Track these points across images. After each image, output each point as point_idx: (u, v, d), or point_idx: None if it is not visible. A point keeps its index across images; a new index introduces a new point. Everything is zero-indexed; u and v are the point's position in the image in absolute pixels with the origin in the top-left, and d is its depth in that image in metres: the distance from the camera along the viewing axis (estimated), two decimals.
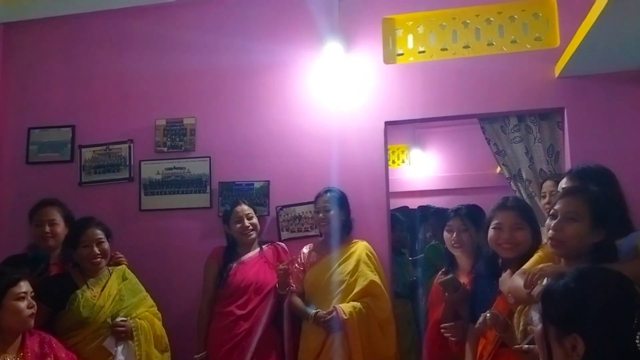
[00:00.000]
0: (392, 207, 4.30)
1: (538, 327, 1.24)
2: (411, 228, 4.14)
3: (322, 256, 2.94)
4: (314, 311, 2.77)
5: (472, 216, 2.56)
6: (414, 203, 5.54)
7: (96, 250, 2.63)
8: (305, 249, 3.02)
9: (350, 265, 2.84)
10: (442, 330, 2.43)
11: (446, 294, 2.44)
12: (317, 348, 2.74)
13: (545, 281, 1.52)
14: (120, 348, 2.52)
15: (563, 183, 2.07)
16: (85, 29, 3.62)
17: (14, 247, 3.17)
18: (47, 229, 2.81)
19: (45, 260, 2.63)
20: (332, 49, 3.23)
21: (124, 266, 2.81)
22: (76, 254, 2.66)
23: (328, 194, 2.96)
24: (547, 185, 2.59)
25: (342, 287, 2.80)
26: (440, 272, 2.75)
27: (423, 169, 6.09)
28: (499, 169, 4.03)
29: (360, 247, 2.92)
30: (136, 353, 2.54)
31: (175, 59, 3.47)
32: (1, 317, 2.11)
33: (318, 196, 2.99)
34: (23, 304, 2.15)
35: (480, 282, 2.27)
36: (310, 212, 3.13)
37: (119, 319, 2.56)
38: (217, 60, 3.40)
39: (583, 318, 1.12)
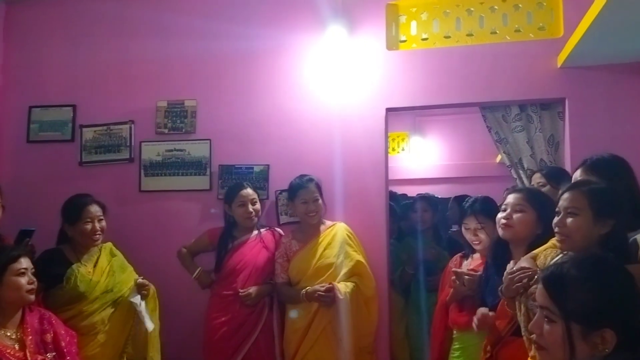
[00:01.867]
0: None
1: (549, 327, 1.21)
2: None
3: (304, 243, 2.95)
4: (304, 290, 2.80)
5: (487, 211, 2.52)
6: (413, 191, 5.56)
7: (97, 226, 2.68)
8: (285, 239, 3.02)
9: (335, 248, 2.88)
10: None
11: (456, 282, 2.49)
12: (304, 328, 2.79)
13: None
14: (143, 303, 2.67)
15: (577, 175, 2.07)
16: (88, 8, 3.61)
17: (14, 226, 3.20)
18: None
19: (30, 235, 2.63)
20: (334, 33, 3.22)
21: (110, 243, 2.84)
22: (75, 229, 2.69)
23: (313, 184, 2.94)
24: (536, 177, 2.63)
25: (330, 270, 2.84)
26: (459, 255, 2.77)
27: (423, 157, 6.10)
28: (499, 157, 4.04)
29: (340, 229, 2.95)
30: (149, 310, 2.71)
31: (177, 42, 3.46)
32: (1, 292, 2.14)
33: (300, 186, 2.93)
34: (23, 280, 2.18)
35: (491, 269, 2.30)
36: None
37: (140, 279, 2.71)
38: (219, 43, 3.39)
39: (613, 311, 1.13)
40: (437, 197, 5.33)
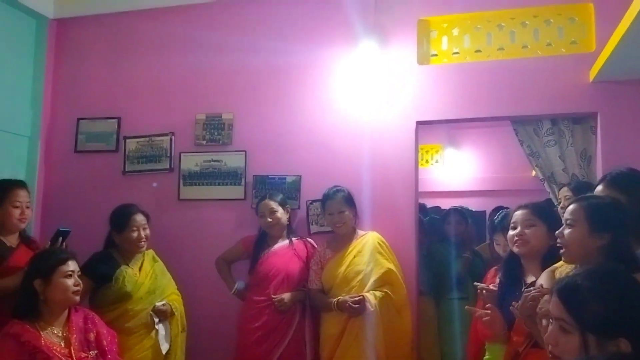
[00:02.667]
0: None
1: (565, 338, 1.23)
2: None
3: (336, 252, 3.03)
4: (335, 299, 2.86)
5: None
6: (446, 204, 5.55)
7: (142, 234, 2.83)
8: (320, 248, 3.11)
9: (365, 256, 2.93)
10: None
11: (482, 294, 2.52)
12: (337, 335, 2.85)
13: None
14: (161, 325, 2.78)
15: (599, 190, 2.08)
16: (132, 26, 3.80)
17: None
18: (26, 212, 2.80)
19: (66, 235, 2.77)
20: (366, 48, 3.30)
21: (152, 250, 3.00)
22: (121, 236, 2.86)
23: (339, 195, 3.02)
24: (563, 191, 2.66)
25: (360, 277, 2.89)
26: (495, 268, 2.75)
27: (457, 170, 6.08)
28: (534, 172, 4.03)
29: (371, 238, 3.01)
30: (172, 329, 2.82)
31: (215, 58, 3.60)
32: (49, 292, 2.27)
33: (328, 197, 3.04)
34: (70, 282, 2.31)
35: (504, 285, 2.30)
36: None
37: (159, 304, 2.79)
38: (255, 59, 3.52)
39: (628, 321, 1.15)
40: (470, 210, 5.34)
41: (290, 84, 3.47)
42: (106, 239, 2.93)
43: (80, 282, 2.36)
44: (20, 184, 2.81)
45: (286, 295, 2.96)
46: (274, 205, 3.10)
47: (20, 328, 2.18)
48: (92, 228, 3.10)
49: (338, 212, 3.00)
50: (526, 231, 2.17)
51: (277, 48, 3.49)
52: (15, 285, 2.49)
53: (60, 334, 2.28)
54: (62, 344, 2.24)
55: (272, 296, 2.96)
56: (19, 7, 3.58)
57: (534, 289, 1.84)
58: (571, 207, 1.82)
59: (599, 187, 2.06)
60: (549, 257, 2.04)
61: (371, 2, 3.36)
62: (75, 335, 2.29)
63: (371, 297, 2.81)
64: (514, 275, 2.23)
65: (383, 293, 2.85)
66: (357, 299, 2.79)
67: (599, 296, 1.20)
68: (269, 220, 3.07)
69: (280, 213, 3.10)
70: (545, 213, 2.21)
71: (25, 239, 2.81)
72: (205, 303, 3.32)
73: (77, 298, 2.34)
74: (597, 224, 1.73)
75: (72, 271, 2.34)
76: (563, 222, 1.84)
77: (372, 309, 2.78)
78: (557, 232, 1.83)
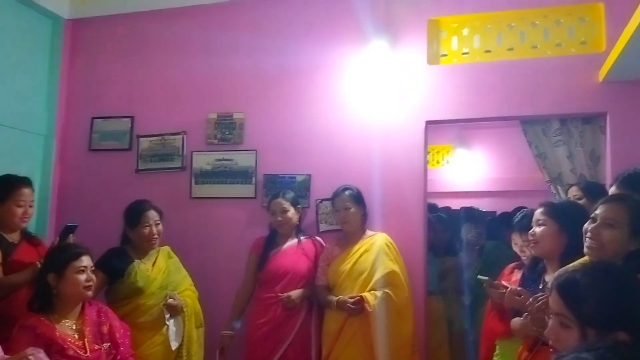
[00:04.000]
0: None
1: (565, 332, 1.25)
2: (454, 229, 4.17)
3: (344, 249, 3.06)
4: (335, 298, 2.90)
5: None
6: (457, 204, 5.55)
7: (154, 230, 2.88)
8: (329, 245, 3.15)
9: (371, 255, 2.96)
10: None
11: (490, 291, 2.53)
12: (336, 331, 2.89)
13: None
14: (172, 321, 2.80)
15: (612, 191, 2.09)
16: (145, 27, 3.86)
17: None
18: (29, 210, 2.79)
19: (73, 230, 2.79)
20: (376, 47, 3.32)
21: (167, 247, 3.04)
22: (134, 232, 2.91)
23: (346, 193, 3.06)
24: (572, 190, 2.65)
25: (364, 276, 2.92)
26: (513, 265, 2.75)
27: (468, 170, 6.08)
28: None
29: (380, 239, 3.03)
30: (185, 326, 2.84)
31: (227, 58, 3.64)
32: (62, 286, 2.33)
33: (336, 195, 3.09)
34: (82, 277, 2.35)
35: (527, 281, 2.32)
36: None
37: (170, 299, 2.81)
38: (266, 59, 3.56)
39: (626, 314, 1.17)
40: (481, 211, 5.33)
41: (300, 84, 3.50)
42: (122, 235, 2.99)
43: (93, 277, 2.41)
44: (25, 182, 2.78)
45: (294, 293, 2.99)
46: (286, 204, 3.13)
47: (36, 320, 2.23)
48: (106, 225, 3.17)
49: (344, 209, 3.03)
50: (537, 230, 2.16)
51: (287, 48, 3.53)
52: (24, 281, 2.56)
53: (74, 327, 2.33)
54: (76, 336, 2.30)
55: (279, 294, 2.99)
56: (35, 7, 3.66)
57: (534, 299, 1.85)
58: (612, 205, 1.74)
59: (612, 189, 2.06)
60: (565, 257, 2.01)
61: (381, 2, 3.38)
62: (88, 328, 2.35)
63: (371, 298, 2.83)
64: (537, 272, 2.24)
65: (384, 293, 2.86)
66: (356, 299, 2.82)
67: (597, 291, 1.22)
68: (280, 219, 3.11)
69: (292, 213, 3.13)
70: (558, 212, 2.16)
71: (26, 236, 2.82)
72: (218, 299, 3.35)
73: (89, 293, 2.38)
74: (638, 228, 1.68)
75: (85, 266, 2.38)
76: (595, 218, 1.75)
77: (371, 310, 2.80)
78: (590, 228, 1.75)
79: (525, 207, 3.30)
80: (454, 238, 4.02)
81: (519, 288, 2.14)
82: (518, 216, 2.72)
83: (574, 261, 1.89)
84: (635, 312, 1.18)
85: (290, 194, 3.20)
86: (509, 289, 2.15)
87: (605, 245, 1.71)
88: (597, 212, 1.76)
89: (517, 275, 2.64)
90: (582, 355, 0.83)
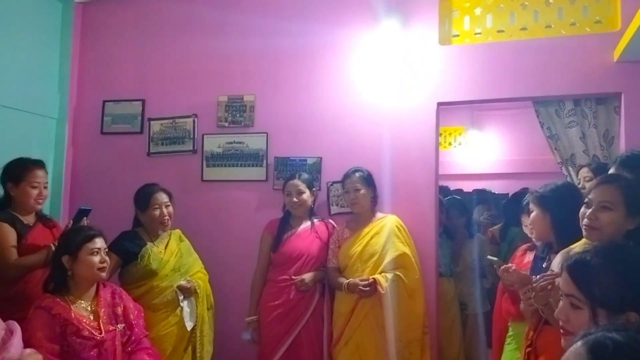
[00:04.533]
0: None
1: (575, 313, 1.25)
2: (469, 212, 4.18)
3: (354, 231, 3.06)
4: (346, 280, 2.91)
5: None
6: (469, 187, 5.53)
7: (164, 212, 2.91)
8: (339, 227, 3.15)
9: (381, 238, 2.96)
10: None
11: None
12: (348, 313, 2.91)
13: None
14: (186, 302, 2.86)
15: (611, 172, 2.08)
16: (156, 9, 3.85)
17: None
18: (44, 192, 2.81)
19: (87, 214, 2.82)
20: (387, 28, 3.29)
21: (179, 230, 3.08)
22: (145, 215, 2.94)
23: (356, 174, 3.06)
24: (583, 172, 2.64)
25: (375, 258, 2.93)
26: (526, 246, 2.73)
27: (479, 152, 6.04)
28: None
29: (390, 221, 3.03)
30: (197, 307, 2.88)
31: (237, 40, 3.63)
32: (76, 268, 2.36)
33: (346, 176, 3.09)
34: (96, 259, 2.38)
35: (539, 262, 2.34)
36: None
37: (183, 281, 2.86)
38: (276, 41, 3.54)
39: (637, 295, 1.17)
40: (493, 193, 5.32)
41: (310, 65, 3.48)
42: (134, 219, 3.02)
43: (107, 259, 2.43)
44: (39, 164, 2.81)
45: (307, 276, 3.01)
46: (302, 186, 3.13)
47: (52, 301, 2.27)
48: (118, 208, 3.20)
49: (354, 190, 3.03)
50: (529, 219, 2.24)
51: (297, 29, 3.50)
52: (38, 262, 2.61)
53: (89, 308, 2.36)
54: (91, 317, 2.33)
55: (293, 277, 3.01)
56: None
57: (541, 277, 1.85)
58: (604, 188, 1.75)
59: (612, 169, 2.06)
60: (562, 240, 2.04)
61: None
62: (103, 309, 2.38)
63: (382, 280, 2.84)
64: (545, 254, 2.25)
65: (395, 275, 2.87)
66: (369, 281, 2.83)
67: (608, 271, 1.22)
68: (295, 200, 3.10)
69: (307, 195, 3.14)
70: (543, 197, 2.19)
71: (41, 218, 2.85)
72: (229, 281, 3.39)
73: (103, 274, 2.41)
74: (633, 207, 1.70)
75: (99, 248, 2.40)
76: (591, 202, 1.77)
77: (383, 292, 2.81)
78: (587, 213, 1.76)
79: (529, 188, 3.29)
80: (469, 221, 4.02)
81: (512, 265, 2.16)
82: (526, 198, 2.72)
83: (571, 243, 1.92)
84: None
85: (306, 176, 3.20)
86: (512, 269, 2.15)
87: (603, 228, 1.72)
88: (591, 196, 1.77)
89: (530, 257, 2.64)
90: (610, 335, 0.83)
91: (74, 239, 2.40)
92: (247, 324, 3.11)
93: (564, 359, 0.86)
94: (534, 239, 2.26)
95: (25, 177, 2.73)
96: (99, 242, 2.42)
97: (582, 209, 1.81)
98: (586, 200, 1.80)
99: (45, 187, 2.82)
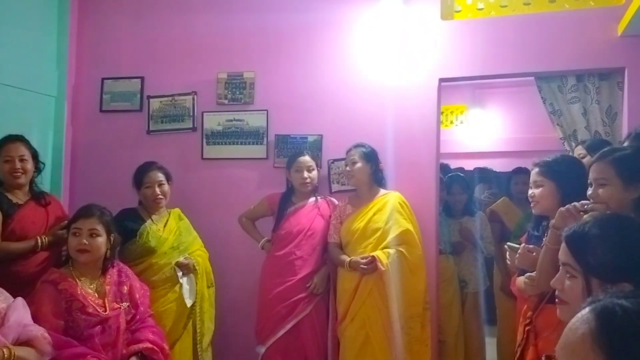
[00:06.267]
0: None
1: (570, 282, 1.26)
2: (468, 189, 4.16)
3: (357, 208, 3.06)
4: (348, 259, 2.92)
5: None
6: (470, 165, 5.52)
7: (157, 191, 2.92)
8: (341, 203, 3.15)
9: (384, 214, 2.96)
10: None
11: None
12: (352, 290, 2.92)
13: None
14: (185, 279, 2.87)
15: (625, 144, 2.06)
16: None
17: (88, 189, 3.51)
18: (18, 165, 2.74)
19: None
20: (389, 2, 3.24)
21: (178, 209, 3.08)
22: (140, 193, 2.96)
23: (358, 149, 3.04)
24: (577, 149, 2.65)
25: (377, 234, 2.93)
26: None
27: (481, 130, 6.02)
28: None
29: (393, 197, 3.02)
30: (197, 284, 2.90)
31: (236, 16, 3.58)
32: (68, 246, 2.39)
33: (348, 150, 3.08)
34: (74, 240, 2.36)
35: (532, 239, 2.32)
36: None
37: (182, 258, 2.87)
38: (276, 16, 3.49)
39: (631, 266, 1.17)
40: (494, 171, 5.30)
41: (310, 41, 3.44)
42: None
43: (90, 241, 2.36)
44: (11, 139, 2.75)
45: (317, 278, 3.02)
46: (312, 163, 3.13)
47: (59, 276, 2.29)
48: (118, 186, 3.20)
49: (352, 163, 3.03)
50: (535, 192, 2.16)
51: (298, 5, 3.46)
52: (22, 251, 2.61)
53: (95, 286, 2.38)
54: (97, 295, 2.35)
55: (307, 286, 3.00)
56: None
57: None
58: (597, 165, 1.80)
59: (625, 143, 2.05)
60: None
61: None
62: (109, 287, 2.40)
63: (383, 256, 2.84)
64: (541, 229, 2.24)
65: (397, 251, 2.88)
66: (368, 259, 2.84)
67: (605, 241, 1.23)
68: (306, 176, 3.09)
69: (315, 172, 3.14)
70: (553, 171, 2.15)
71: (35, 195, 2.80)
72: (230, 259, 3.40)
73: (81, 257, 2.36)
74: (629, 176, 1.74)
75: (79, 229, 2.37)
76: (591, 182, 1.82)
77: (384, 269, 2.82)
78: (589, 193, 1.81)
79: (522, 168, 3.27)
80: (470, 198, 4.01)
81: (530, 246, 2.13)
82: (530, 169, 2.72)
83: None
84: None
85: (311, 154, 3.20)
86: (522, 246, 2.14)
87: (607, 203, 1.76)
88: (590, 176, 1.83)
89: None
90: (619, 302, 0.83)
91: (71, 218, 2.42)
92: (262, 247, 3.15)
93: (571, 324, 0.86)
94: (535, 212, 2.22)
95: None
96: (82, 223, 2.38)
97: (588, 191, 1.84)
98: (589, 181, 1.84)
99: (22, 161, 2.73)
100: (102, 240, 2.40)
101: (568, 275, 1.28)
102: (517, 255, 2.09)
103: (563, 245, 1.30)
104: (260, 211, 3.26)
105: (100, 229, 2.40)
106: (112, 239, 2.46)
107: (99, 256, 2.40)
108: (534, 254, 2.06)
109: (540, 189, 2.14)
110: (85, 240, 2.34)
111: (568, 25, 3.01)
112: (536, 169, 2.18)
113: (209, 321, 3.01)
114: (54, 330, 2.11)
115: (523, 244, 2.16)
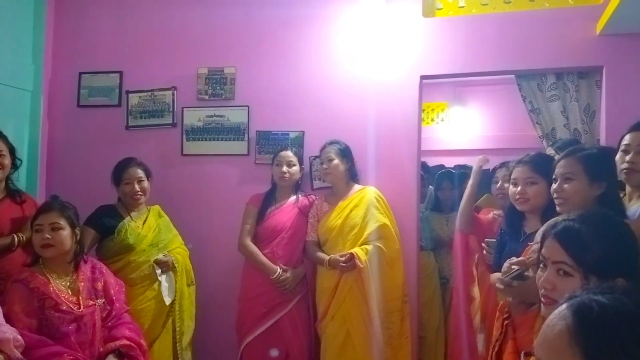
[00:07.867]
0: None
1: (565, 280, 1.25)
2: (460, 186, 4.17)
3: (333, 205, 3.07)
4: (327, 257, 2.92)
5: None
6: (450, 162, 5.55)
7: (136, 187, 2.87)
8: (317, 201, 3.14)
9: (361, 210, 2.96)
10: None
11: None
12: (332, 288, 2.92)
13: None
14: (164, 276, 2.83)
15: (627, 139, 2.03)
16: None
17: (65, 186, 3.44)
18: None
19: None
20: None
21: (157, 206, 3.04)
22: (119, 190, 2.91)
23: (331, 146, 3.05)
24: (548, 150, 2.72)
25: (355, 230, 2.94)
26: None
27: (461, 128, 6.05)
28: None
29: (369, 193, 3.03)
30: (176, 282, 2.86)
31: (217, 10, 3.54)
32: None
33: (322, 148, 3.09)
34: (37, 236, 2.31)
35: (505, 235, 2.32)
36: None
37: (161, 255, 2.83)
38: (257, 11, 3.46)
39: (625, 261, 1.20)
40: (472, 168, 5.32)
41: (292, 37, 3.42)
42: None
43: (50, 237, 2.31)
44: None
45: (289, 273, 2.98)
46: (293, 158, 3.11)
47: (30, 275, 2.24)
48: (96, 183, 3.15)
49: (328, 160, 3.03)
50: (527, 190, 2.13)
51: (279, 1, 3.43)
52: (0, 247, 2.53)
53: (68, 283, 2.34)
54: (70, 292, 2.31)
55: (281, 266, 2.97)
56: None
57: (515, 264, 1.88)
58: (565, 161, 1.87)
59: (627, 137, 2.02)
60: (549, 210, 2.03)
61: None
62: (83, 284, 2.36)
63: (361, 253, 2.84)
64: (516, 225, 2.24)
65: (375, 247, 2.88)
66: (346, 256, 2.84)
67: (601, 239, 1.24)
68: (284, 170, 3.07)
69: (296, 168, 3.12)
70: (545, 168, 2.13)
71: (11, 193, 2.72)
72: (210, 257, 3.37)
73: (45, 252, 2.31)
74: (594, 174, 1.81)
75: (41, 225, 2.32)
76: (556, 177, 1.89)
77: (362, 265, 2.82)
78: (554, 187, 1.88)
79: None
80: (461, 195, 4.02)
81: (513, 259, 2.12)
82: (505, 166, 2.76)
83: (553, 215, 1.90)
84: (633, 258, 1.22)
85: (295, 151, 3.18)
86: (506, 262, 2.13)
87: (570, 198, 1.84)
88: (556, 171, 1.89)
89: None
90: (596, 297, 0.83)
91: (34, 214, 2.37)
92: (276, 280, 2.96)
93: (548, 321, 0.86)
94: (522, 209, 2.20)
95: None
96: (43, 218, 2.33)
97: (552, 186, 1.91)
98: (553, 176, 1.91)
99: (0, 156, 2.63)
100: (65, 233, 2.33)
101: (561, 273, 1.26)
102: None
103: (553, 243, 1.28)
104: (252, 220, 3.14)
105: (62, 222, 2.33)
106: (77, 232, 2.39)
107: (64, 250, 2.34)
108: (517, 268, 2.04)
109: (535, 186, 2.13)
110: (47, 235, 2.29)
111: (548, 24, 3.03)
112: (526, 167, 2.16)
113: (189, 319, 2.98)
114: (27, 330, 2.07)
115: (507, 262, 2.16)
